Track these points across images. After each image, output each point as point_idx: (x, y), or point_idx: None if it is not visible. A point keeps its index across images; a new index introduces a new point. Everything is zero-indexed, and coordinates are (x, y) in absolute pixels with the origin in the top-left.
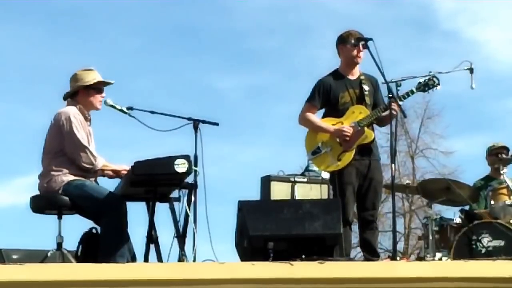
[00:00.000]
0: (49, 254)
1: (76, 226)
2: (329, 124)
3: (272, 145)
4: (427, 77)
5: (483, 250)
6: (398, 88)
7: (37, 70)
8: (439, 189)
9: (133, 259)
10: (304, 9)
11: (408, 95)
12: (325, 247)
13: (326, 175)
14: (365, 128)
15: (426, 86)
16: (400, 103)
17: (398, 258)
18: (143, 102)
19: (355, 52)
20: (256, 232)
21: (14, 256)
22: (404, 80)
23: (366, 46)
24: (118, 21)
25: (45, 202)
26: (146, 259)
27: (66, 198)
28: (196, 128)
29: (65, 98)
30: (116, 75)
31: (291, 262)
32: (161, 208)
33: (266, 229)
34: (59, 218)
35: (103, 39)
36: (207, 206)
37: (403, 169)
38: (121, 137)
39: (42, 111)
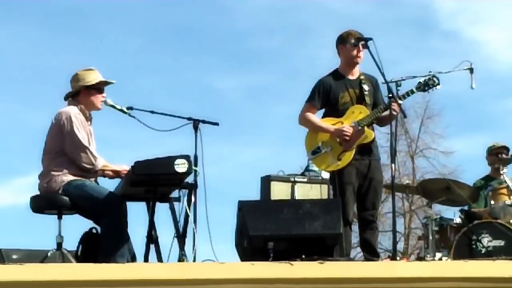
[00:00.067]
0: (49, 254)
1: (76, 226)
2: (329, 124)
3: (272, 145)
4: (427, 77)
5: (483, 250)
6: (398, 88)
7: (37, 70)
8: (439, 189)
9: (133, 259)
10: (304, 9)
11: (408, 95)
12: (325, 247)
13: (326, 175)
14: (365, 128)
15: (426, 85)
16: (400, 102)
17: (398, 258)
18: (143, 102)
19: (355, 52)
20: (256, 232)
21: (14, 256)
22: (404, 80)
23: (366, 46)
24: (118, 21)
25: (45, 202)
26: (146, 259)
27: (66, 198)
28: (196, 128)
29: (66, 98)
30: (116, 75)
31: (291, 262)
32: (161, 208)
33: (266, 229)
34: (59, 218)
35: (103, 39)
36: (207, 206)
37: (403, 169)
38: (121, 137)
39: (42, 111)
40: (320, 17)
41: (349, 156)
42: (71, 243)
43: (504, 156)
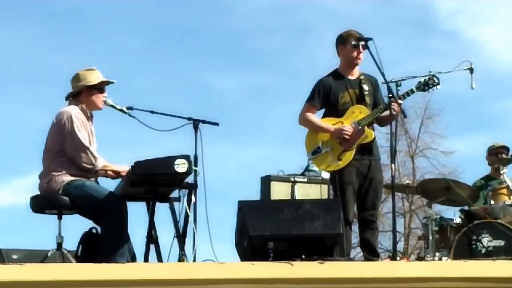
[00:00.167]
0: (49, 254)
1: (76, 226)
2: (329, 124)
3: (272, 145)
4: (427, 77)
5: (483, 250)
6: (398, 88)
7: (37, 70)
8: (439, 189)
9: (133, 259)
10: (304, 9)
11: (408, 95)
12: (325, 247)
13: (326, 175)
14: (365, 128)
15: (426, 85)
16: (400, 102)
17: (398, 258)
18: (143, 102)
19: (355, 53)
20: (256, 232)
21: (14, 256)
22: (404, 80)
23: (366, 46)
24: (118, 21)
25: (45, 202)
26: (146, 259)
27: (66, 198)
28: (196, 128)
29: (67, 98)
30: (116, 75)
31: (291, 262)
32: (161, 208)
33: (266, 229)
34: (59, 218)
35: (103, 39)
36: (207, 206)
37: (403, 169)
38: (121, 137)
39: (42, 111)
40: (320, 17)
41: (349, 156)
42: (71, 243)
43: (504, 156)
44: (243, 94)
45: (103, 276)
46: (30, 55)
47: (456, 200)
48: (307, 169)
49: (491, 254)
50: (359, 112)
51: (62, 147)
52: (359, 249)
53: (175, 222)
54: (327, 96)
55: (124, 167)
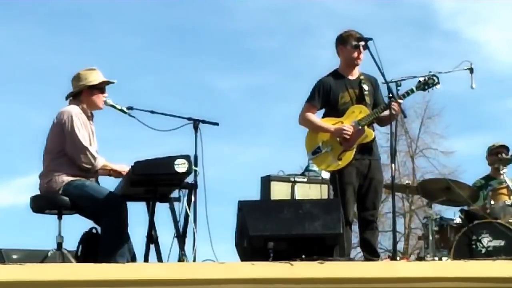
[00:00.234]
0: (49, 254)
1: (76, 226)
2: (329, 124)
3: (272, 145)
4: (426, 76)
5: (483, 250)
6: (398, 88)
7: (37, 70)
8: (439, 189)
9: (133, 259)
10: (304, 9)
11: (408, 94)
12: (325, 247)
13: (326, 175)
14: (365, 128)
15: (426, 84)
16: (400, 101)
17: (398, 258)
18: (143, 102)
19: (355, 54)
20: (256, 232)
21: (14, 256)
22: (404, 80)
23: (366, 47)
24: (118, 21)
25: (45, 202)
26: (146, 259)
27: (66, 198)
28: (196, 128)
29: (67, 98)
30: (116, 75)
31: (291, 262)
32: (161, 208)
33: (266, 229)
34: (59, 218)
35: (103, 39)
36: (207, 206)
37: (403, 169)
38: (121, 137)
39: (42, 111)
40: (320, 17)
41: (349, 155)
42: (71, 243)
43: (504, 156)
44: (243, 94)
45: (103, 276)
46: (30, 55)
47: (456, 200)
48: (307, 169)
49: (491, 254)
50: (359, 112)
51: (63, 147)
52: (359, 249)
53: (175, 222)
54: (327, 96)
55: (124, 167)
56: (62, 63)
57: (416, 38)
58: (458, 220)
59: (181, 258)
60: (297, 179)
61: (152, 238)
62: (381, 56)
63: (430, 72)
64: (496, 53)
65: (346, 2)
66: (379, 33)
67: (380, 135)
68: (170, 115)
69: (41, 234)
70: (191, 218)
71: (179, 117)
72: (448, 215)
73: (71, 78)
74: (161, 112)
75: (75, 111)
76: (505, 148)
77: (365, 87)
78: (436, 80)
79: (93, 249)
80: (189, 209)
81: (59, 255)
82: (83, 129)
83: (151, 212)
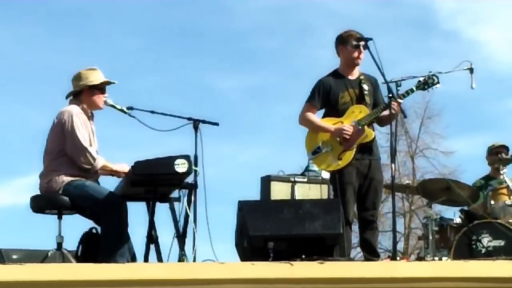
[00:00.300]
0: (49, 254)
1: (76, 226)
2: (329, 123)
3: (272, 145)
4: (426, 76)
5: (483, 250)
6: (398, 88)
7: (37, 70)
8: (439, 189)
9: (133, 259)
10: (304, 9)
11: (408, 94)
12: (325, 247)
13: (326, 174)
14: (365, 127)
15: (426, 84)
16: (400, 101)
17: (398, 258)
18: (143, 102)
19: (355, 54)
20: (256, 232)
21: (14, 256)
22: (404, 80)
23: (366, 47)
24: (119, 21)
25: (45, 202)
26: (146, 259)
27: (66, 198)
28: (196, 128)
29: (67, 97)
30: (116, 75)
31: (291, 262)
32: (161, 208)
33: (266, 229)
34: (59, 218)
35: (103, 39)
36: (207, 206)
37: (403, 169)
38: (121, 137)
39: (43, 111)
40: (320, 17)
41: (349, 155)
42: (71, 243)
43: (504, 156)
44: (243, 94)
45: (103, 276)
46: (30, 55)
47: (456, 200)
48: (307, 169)
49: (491, 254)
50: (359, 111)
51: (63, 147)
52: (359, 249)
53: (175, 222)
54: (327, 96)
55: (124, 166)
56: (62, 63)
57: (416, 38)
58: (458, 220)
59: (181, 258)
60: (297, 179)
61: (152, 238)
62: (381, 56)
63: (430, 72)
64: (496, 53)
65: (346, 2)
66: (379, 33)
67: (380, 135)
68: (170, 115)
69: (41, 234)
70: (191, 218)
71: (179, 117)
72: (448, 215)
73: (71, 78)
74: (161, 112)
75: (76, 111)
76: (505, 148)
77: (365, 87)
78: (436, 80)
79: (93, 249)
80: (189, 209)
81: (59, 255)
82: (83, 129)
83: (151, 212)
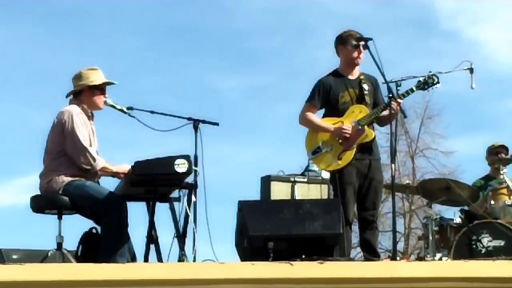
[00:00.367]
0: (49, 254)
1: (76, 226)
2: (329, 123)
3: (272, 145)
4: (426, 76)
5: (483, 250)
6: (398, 88)
7: (37, 70)
8: (439, 189)
9: (133, 259)
10: (304, 9)
11: (408, 94)
12: (325, 247)
13: (326, 174)
14: (365, 127)
15: (426, 84)
16: (400, 101)
17: (398, 258)
18: (143, 102)
19: (355, 53)
20: (256, 232)
21: (14, 256)
22: (404, 80)
23: (366, 46)
24: (119, 21)
25: (45, 202)
26: (146, 259)
27: (66, 198)
28: (196, 128)
29: (67, 96)
30: (116, 75)
31: (291, 262)
32: (161, 208)
33: (266, 229)
34: (59, 218)
35: (103, 39)
36: (207, 206)
37: (403, 169)
38: (121, 137)
39: (43, 111)
40: (320, 17)
41: (349, 155)
42: (71, 243)
43: (503, 155)
44: (243, 94)
45: (103, 276)
46: (30, 55)
47: (456, 200)
48: (307, 169)
49: (491, 254)
50: (359, 111)
51: (63, 147)
52: (359, 249)
53: (175, 222)
54: (327, 95)
55: (124, 167)
56: (62, 63)
57: (416, 38)
58: (458, 220)
59: (181, 258)
60: (297, 179)
61: (152, 238)
62: (381, 56)
63: (430, 72)
64: (496, 53)
65: (346, 2)
66: (379, 33)
67: (380, 135)
68: (170, 115)
69: (41, 234)
70: (191, 218)
71: (179, 117)
72: (448, 215)
73: (72, 76)
74: (161, 112)
75: (76, 111)
76: (504, 148)
77: (365, 87)
78: (436, 80)
79: (93, 249)
80: (189, 209)
81: (59, 255)
82: (84, 129)
83: (151, 212)
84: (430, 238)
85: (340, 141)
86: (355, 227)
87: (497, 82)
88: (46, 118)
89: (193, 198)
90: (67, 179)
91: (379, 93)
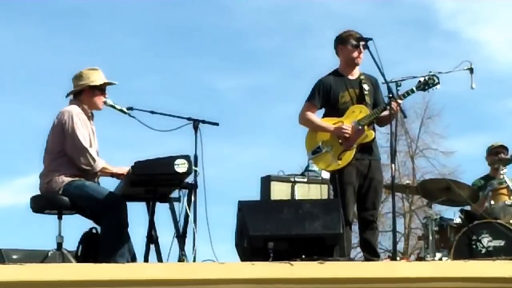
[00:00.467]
0: (49, 254)
1: (76, 226)
2: (329, 123)
3: (272, 145)
4: (427, 76)
5: (483, 250)
6: (398, 88)
7: (37, 70)
8: (439, 189)
9: (133, 259)
10: (304, 9)
11: (408, 94)
12: (325, 247)
13: (326, 174)
14: (365, 127)
15: (426, 84)
16: (400, 102)
17: (398, 258)
18: (143, 102)
19: (355, 53)
20: (256, 232)
21: (14, 256)
22: (404, 80)
23: (366, 46)
24: (119, 21)
25: (45, 202)
26: (146, 259)
27: (66, 198)
28: (196, 128)
29: (67, 95)
30: (116, 75)
31: (291, 262)
32: (161, 208)
33: (266, 229)
34: (59, 218)
35: (103, 39)
36: (207, 206)
37: (403, 169)
38: (121, 137)
39: (43, 111)
40: (320, 17)
41: (349, 155)
42: (71, 243)
43: (503, 156)
44: (243, 94)
45: (103, 276)
46: (30, 55)
47: (456, 200)
48: (307, 169)
49: (491, 254)
50: (359, 111)
51: (63, 147)
52: (359, 249)
53: (175, 222)
54: (327, 95)
55: (124, 169)
56: (62, 63)
57: (416, 38)
58: (458, 220)
59: (181, 258)
60: (297, 179)
61: (152, 238)
62: (381, 56)
63: (430, 72)
64: (496, 53)
65: (346, 2)
66: (379, 33)
67: (380, 135)
68: (170, 115)
69: (41, 234)
70: (191, 218)
71: (179, 117)
72: (448, 215)
73: (73, 76)
74: (161, 112)
75: (76, 111)
76: (504, 148)
77: (365, 87)
78: (436, 80)
79: (93, 249)
80: (189, 209)
81: (59, 255)
82: (84, 129)
83: (151, 212)
84: (430, 238)
85: (340, 141)
86: (355, 227)
87: (497, 82)
88: (46, 118)
89: (193, 198)
90: (67, 179)
91: (379, 93)
